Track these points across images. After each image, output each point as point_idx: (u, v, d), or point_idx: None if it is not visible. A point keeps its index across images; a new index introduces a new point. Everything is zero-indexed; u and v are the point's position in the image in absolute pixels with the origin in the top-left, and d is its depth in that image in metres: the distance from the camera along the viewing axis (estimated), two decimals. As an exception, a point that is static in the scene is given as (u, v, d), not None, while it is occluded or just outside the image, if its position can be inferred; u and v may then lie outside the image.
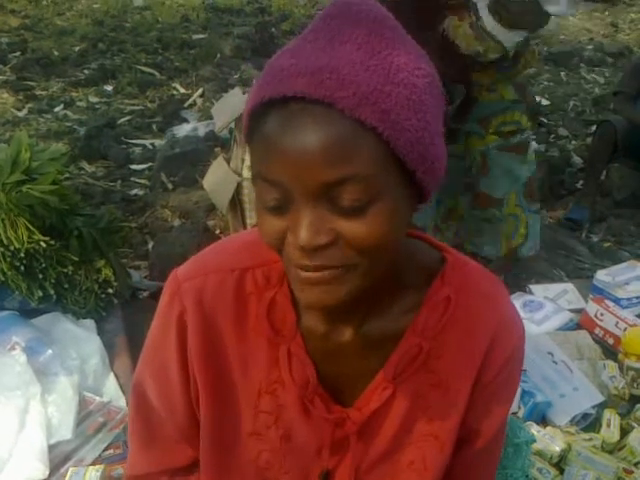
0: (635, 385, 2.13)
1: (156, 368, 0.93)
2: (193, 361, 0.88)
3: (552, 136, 4.53)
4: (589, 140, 4.44)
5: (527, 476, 1.28)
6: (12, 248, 2.07)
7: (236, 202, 2.57)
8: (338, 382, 0.88)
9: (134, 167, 3.86)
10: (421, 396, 0.88)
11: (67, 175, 3.43)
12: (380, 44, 0.68)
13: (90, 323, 2.23)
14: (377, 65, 0.66)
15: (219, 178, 2.56)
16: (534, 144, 4.30)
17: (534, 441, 1.33)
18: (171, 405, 0.93)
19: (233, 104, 2.60)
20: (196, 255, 0.92)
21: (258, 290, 0.86)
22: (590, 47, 6.96)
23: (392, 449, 0.90)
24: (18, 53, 5.70)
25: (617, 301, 2.49)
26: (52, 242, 2.14)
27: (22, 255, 2.08)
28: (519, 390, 2.02)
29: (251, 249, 0.87)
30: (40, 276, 2.14)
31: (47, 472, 1.71)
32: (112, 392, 2.00)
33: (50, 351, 1.99)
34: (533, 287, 2.71)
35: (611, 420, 2.00)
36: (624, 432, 1.99)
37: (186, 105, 4.75)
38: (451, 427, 0.89)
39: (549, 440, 1.87)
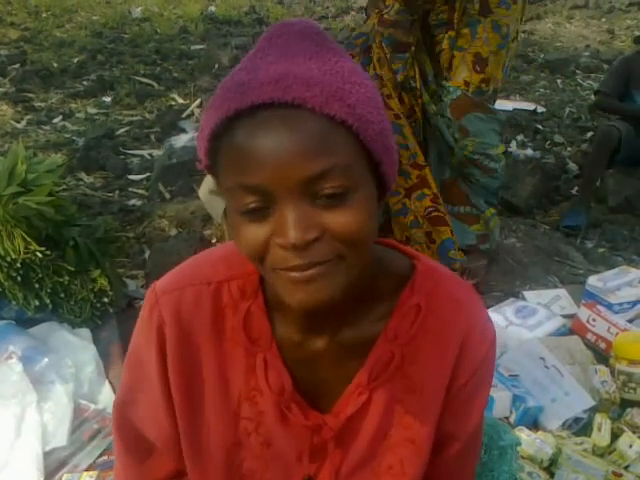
0: (626, 389, 2.15)
1: (140, 382, 0.95)
2: (171, 372, 0.89)
3: (548, 143, 4.56)
4: (585, 147, 4.47)
5: (515, 479, 1.30)
6: (9, 259, 2.10)
7: (231, 212, 2.60)
8: (315, 389, 0.90)
9: (132, 177, 3.89)
10: (397, 401, 0.90)
11: (65, 186, 3.47)
12: (328, 53, 0.73)
13: (86, 332, 2.25)
14: (332, 69, 0.71)
15: (214, 188, 2.58)
16: (530, 151, 4.34)
17: (519, 444, 1.34)
18: (155, 416, 0.94)
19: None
20: (174, 269, 0.94)
21: (233, 302, 0.88)
22: (586, 54, 7.00)
23: (370, 454, 0.92)
24: (17, 65, 5.75)
25: (609, 306, 2.51)
26: (48, 252, 2.17)
27: (19, 265, 2.11)
28: (510, 395, 2.05)
29: (227, 262, 0.90)
30: (36, 286, 2.17)
31: (42, 478, 1.74)
32: (107, 400, 2.01)
33: (46, 360, 2.01)
34: (526, 293, 2.73)
35: (602, 424, 2.02)
36: (615, 436, 2.00)
37: (184, 115, 4.78)
38: (427, 432, 0.91)
39: (540, 444, 1.89)
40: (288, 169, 0.68)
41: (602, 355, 2.36)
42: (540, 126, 4.82)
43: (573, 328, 2.49)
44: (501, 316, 2.47)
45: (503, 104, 5.23)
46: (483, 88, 2.53)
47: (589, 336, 2.43)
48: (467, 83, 2.51)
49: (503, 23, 2.46)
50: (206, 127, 0.72)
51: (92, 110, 4.99)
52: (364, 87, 0.72)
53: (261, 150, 0.68)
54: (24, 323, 2.21)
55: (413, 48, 2.50)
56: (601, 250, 3.30)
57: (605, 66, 6.42)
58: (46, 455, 1.78)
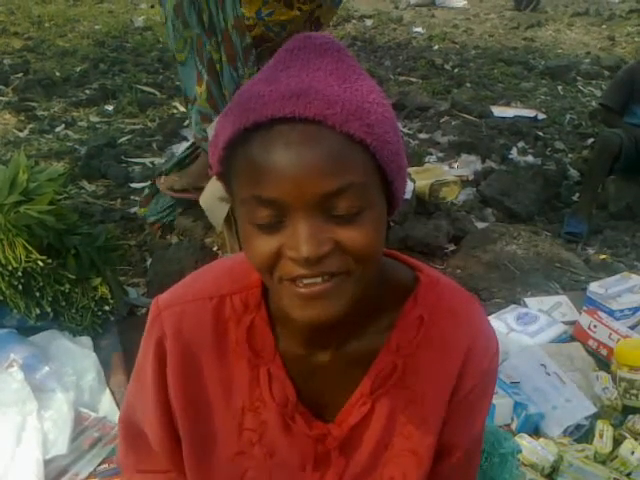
0: (627, 396, 2.14)
1: (138, 388, 0.98)
2: (171, 385, 0.91)
3: (548, 149, 4.56)
4: (585, 153, 4.47)
5: (516, 486, 1.29)
6: (10, 267, 2.10)
7: (231, 220, 2.61)
8: (319, 399, 0.90)
9: (134, 185, 3.89)
10: (398, 412, 0.90)
11: (67, 194, 3.47)
12: (348, 70, 0.73)
13: (86, 340, 2.26)
14: (351, 87, 0.72)
15: (215, 196, 2.59)
16: (531, 158, 4.34)
17: (520, 451, 1.34)
18: (148, 420, 0.97)
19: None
20: (177, 283, 0.95)
21: (236, 315, 0.89)
22: (587, 60, 7.02)
23: (372, 465, 0.92)
24: (20, 74, 5.77)
25: (610, 313, 2.51)
26: (49, 261, 2.17)
27: (20, 274, 2.11)
28: (511, 402, 2.04)
29: (229, 276, 0.91)
30: (37, 294, 2.17)
31: (43, 487, 1.74)
32: (107, 408, 2.02)
33: (47, 368, 2.01)
34: (528, 300, 2.73)
35: (604, 431, 2.01)
36: (617, 443, 1.99)
37: (186, 124, 4.79)
38: (429, 442, 0.91)
39: (541, 451, 1.88)
40: (305, 185, 0.68)
41: (603, 362, 2.36)
42: (541, 133, 4.82)
43: (574, 335, 2.49)
44: (502, 323, 2.47)
45: (504, 111, 5.25)
46: None
47: (590, 343, 2.42)
48: None
49: None
50: (221, 135, 0.73)
51: (94, 119, 5.00)
52: (382, 106, 0.73)
53: (279, 164, 0.68)
54: (25, 331, 2.21)
55: None
56: (602, 256, 3.30)
57: (606, 73, 6.45)
58: (46, 463, 1.77)
